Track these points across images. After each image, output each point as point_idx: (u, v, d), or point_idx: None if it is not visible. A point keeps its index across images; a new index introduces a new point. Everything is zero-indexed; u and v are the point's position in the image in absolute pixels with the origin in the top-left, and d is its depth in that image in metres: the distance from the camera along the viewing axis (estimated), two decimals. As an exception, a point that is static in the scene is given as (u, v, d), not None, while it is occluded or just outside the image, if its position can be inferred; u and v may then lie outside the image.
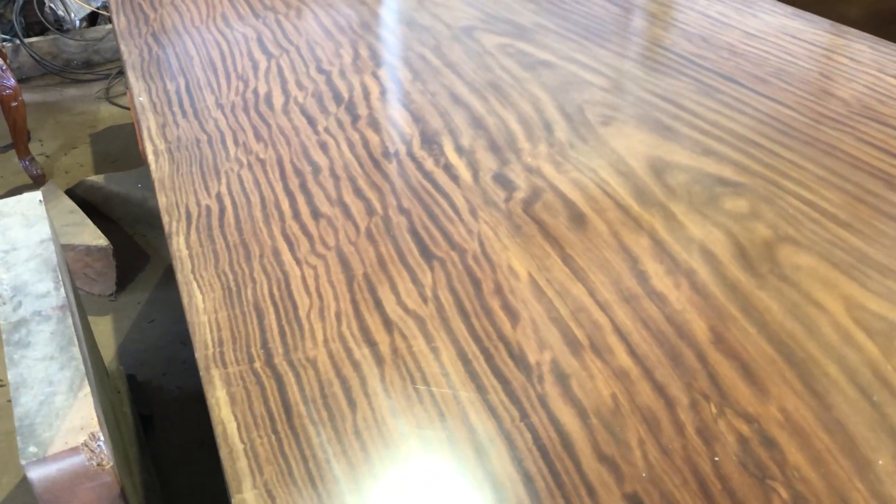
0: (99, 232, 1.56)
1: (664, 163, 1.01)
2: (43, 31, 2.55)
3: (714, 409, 0.65)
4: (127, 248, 1.74)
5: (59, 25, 2.54)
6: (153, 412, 1.31)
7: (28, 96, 2.45)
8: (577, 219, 0.90)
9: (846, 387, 0.67)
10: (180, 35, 1.44)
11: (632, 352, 0.71)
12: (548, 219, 0.90)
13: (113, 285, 1.59)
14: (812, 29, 1.46)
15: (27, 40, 2.53)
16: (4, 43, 2.50)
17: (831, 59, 1.32)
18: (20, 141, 1.98)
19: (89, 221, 1.59)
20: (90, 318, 1.54)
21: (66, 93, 2.47)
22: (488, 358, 0.70)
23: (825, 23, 1.51)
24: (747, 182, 0.96)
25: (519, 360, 0.70)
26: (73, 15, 2.49)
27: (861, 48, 1.37)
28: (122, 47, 1.38)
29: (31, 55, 2.51)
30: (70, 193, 1.79)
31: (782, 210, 0.91)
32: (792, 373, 0.68)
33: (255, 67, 1.29)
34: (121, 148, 2.14)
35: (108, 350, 1.46)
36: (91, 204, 1.80)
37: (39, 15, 2.56)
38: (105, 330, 1.52)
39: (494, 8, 1.56)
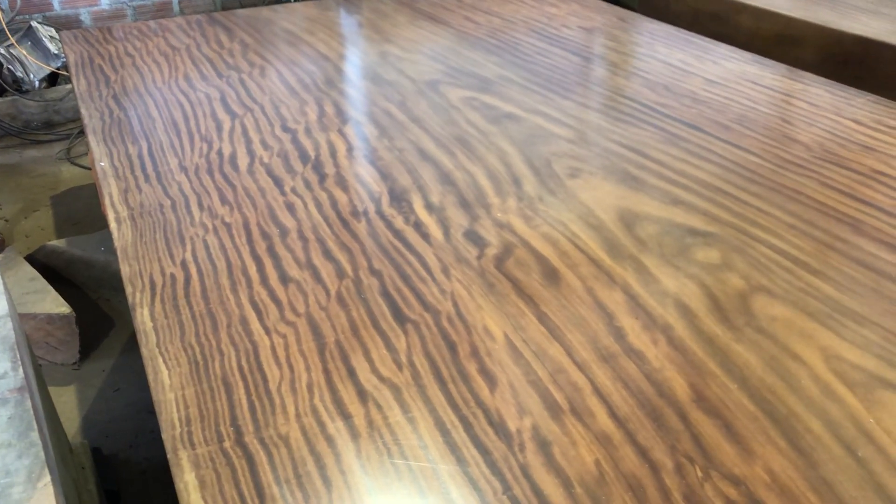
0: (61, 299, 1.52)
1: (633, 214, 1.01)
2: (2, 92, 2.52)
3: (700, 473, 0.63)
4: (91, 314, 1.69)
5: (18, 86, 2.51)
6: (120, 487, 1.26)
7: (-14, 158, 2.41)
8: (550, 275, 0.89)
9: (831, 443, 0.66)
10: (142, 96, 1.42)
11: (613, 414, 0.69)
12: (521, 276, 0.89)
13: (76, 353, 1.55)
14: (770, 74, 1.49)
15: (-15, 102, 2.50)
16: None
17: (791, 104, 1.34)
18: (-24, 207, 1.93)
19: (50, 288, 1.55)
20: (52, 389, 1.49)
21: (25, 154, 2.43)
22: (467, 427, 0.68)
23: (782, 68, 1.54)
24: (717, 231, 0.96)
25: (499, 427, 0.68)
26: (31, 76, 2.47)
27: (818, 92, 1.40)
28: (83, 111, 1.36)
29: (-11, 117, 2.47)
30: (31, 259, 1.74)
31: (754, 259, 0.91)
32: (775, 430, 0.67)
33: (219, 128, 1.28)
34: (83, 209, 2.10)
35: (71, 422, 1.41)
36: (53, 269, 1.76)
37: (-4, 76, 2.53)
38: (69, 401, 1.46)
39: (458, 61, 1.57)
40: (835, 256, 0.91)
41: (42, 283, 1.57)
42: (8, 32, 2.52)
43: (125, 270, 0.91)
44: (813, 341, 0.77)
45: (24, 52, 2.52)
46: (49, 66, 2.55)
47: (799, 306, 0.83)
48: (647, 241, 0.95)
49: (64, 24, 2.71)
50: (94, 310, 1.72)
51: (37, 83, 2.54)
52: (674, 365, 0.75)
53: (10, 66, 2.47)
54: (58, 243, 1.78)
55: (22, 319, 1.48)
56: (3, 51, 2.50)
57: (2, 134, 2.59)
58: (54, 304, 1.53)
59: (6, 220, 2.12)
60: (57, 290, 1.57)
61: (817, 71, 1.85)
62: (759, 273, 0.88)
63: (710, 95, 1.38)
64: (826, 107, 1.33)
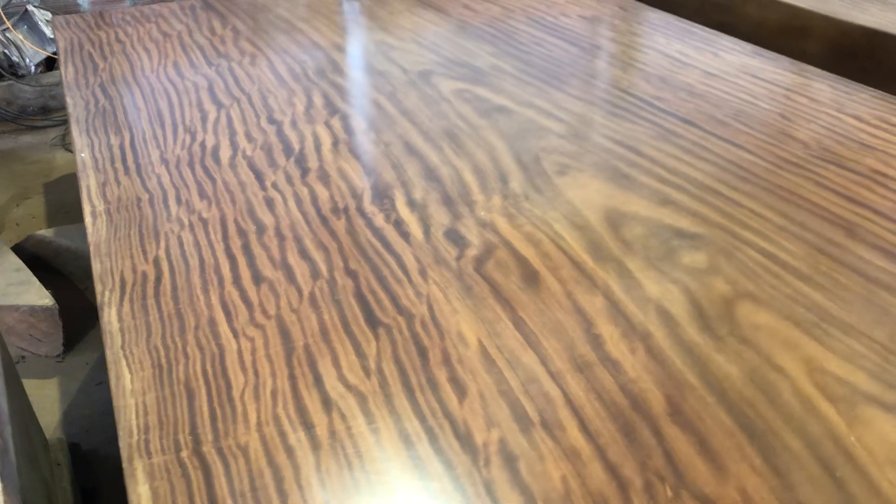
0: (45, 291, 1.51)
1: (620, 214, 0.98)
2: (0, 76, 2.50)
3: (670, 492, 0.61)
4: (77, 305, 1.68)
5: (14, 71, 2.49)
6: (97, 484, 1.25)
7: (-20, 144, 2.40)
8: (530, 277, 0.86)
9: (808, 462, 0.63)
10: (129, 85, 1.40)
11: (584, 428, 0.67)
12: (500, 278, 0.86)
13: (60, 346, 1.53)
14: (772, 67, 1.45)
15: (-20, 87, 2.49)
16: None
17: (791, 99, 1.31)
18: (-35, 195, 1.92)
19: (35, 279, 1.53)
20: (34, 382, 1.48)
21: (20, 140, 2.42)
22: (433, 439, 0.66)
23: (785, 61, 1.50)
24: (705, 234, 0.93)
25: (465, 440, 0.66)
26: (28, 60, 2.45)
27: (821, 87, 1.36)
28: (69, 99, 1.34)
29: (-17, 103, 2.46)
30: (19, 248, 1.73)
31: (741, 264, 0.88)
32: (752, 447, 0.65)
33: (205, 119, 1.26)
34: (75, 198, 2.08)
35: (52, 416, 1.40)
36: (41, 258, 1.74)
37: (-7, 61, 2.51)
38: (50, 394, 1.46)
39: (453, 51, 1.54)
40: (826, 261, 0.88)
41: (27, 273, 1.56)
42: (3, 16, 2.50)
43: (96, 268, 0.89)
44: (797, 352, 0.75)
45: (21, 36, 2.51)
46: (45, 50, 2.53)
47: (785, 314, 0.80)
48: (633, 242, 0.92)
49: (62, 8, 2.69)
50: (82, 301, 1.71)
51: (33, 68, 2.52)
52: (651, 376, 0.72)
53: (5, 51, 2.45)
54: (46, 233, 1.77)
55: (5, 311, 1.47)
56: (-1, 35, 2.48)
57: (-3, 119, 2.59)
58: (38, 295, 1.51)
59: (-3, 208, 2.12)
60: (44, 280, 1.56)
61: (824, 63, 1.81)
62: (745, 278, 0.85)
63: (708, 89, 1.35)
64: (827, 102, 1.29)
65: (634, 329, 0.78)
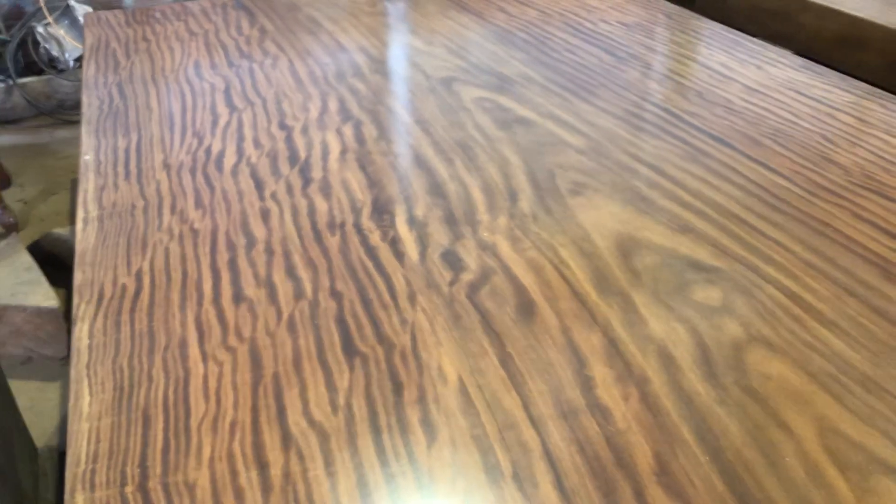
0: (52, 292, 1.50)
1: (633, 241, 0.91)
2: (41, 71, 2.54)
3: (644, 568, 0.54)
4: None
5: (54, 66, 2.53)
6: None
7: (18, 138, 2.43)
8: (526, 308, 0.80)
9: (807, 541, 0.56)
10: (146, 85, 1.38)
11: (559, 484, 0.61)
12: (493, 307, 0.80)
13: (65, 348, 1.53)
14: (820, 83, 1.36)
15: (21, 81, 2.52)
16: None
17: (836, 119, 1.21)
18: (-9, 189, 1.94)
19: (44, 280, 1.53)
20: (36, 385, 1.47)
21: (56, 134, 2.44)
22: (392, 490, 0.61)
23: (835, 76, 1.40)
24: (723, 267, 0.86)
25: (427, 491, 0.60)
26: (67, 55, 2.48)
27: (871, 106, 1.26)
28: (84, 98, 1.32)
29: (22, 96, 2.49)
30: (37, 246, 1.73)
31: (759, 303, 0.80)
32: (744, 519, 0.58)
33: (215, 122, 1.23)
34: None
35: (50, 421, 1.39)
36: (57, 257, 1.75)
37: (34, 55, 2.55)
38: (51, 398, 1.45)
39: (480, 57, 1.48)
40: (854, 304, 0.80)
41: (37, 273, 1.56)
42: (46, 11, 2.54)
43: (77, 278, 0.86)
44: (808, 408, 0.67)
45: (62, 31, 2.53)
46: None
47: (800, 364, 0.72)
48: (643, 273, 0.85)
49: (105, 4, 2.71)
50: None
51: (72, 63, 2.55)
52: (641, 427, 0.66)
53: (46, 45, 2.48)
54: (62, 231, 1.77)
55: (13, 311, 1.47)
56: (41, 29, 2.51)
57: (35, 113, 2.62)
58: (45, 296, 1.51)
59: (25, 203, 2.13)
60: (58, 279, 1.55)
61: (882, 77, 1.70)
62: (761, 320, 0.78)
63: (747, 105, 1.26)
64: (876, 124, 1.20)
65: (631, 372, 0.72)
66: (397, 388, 0.70)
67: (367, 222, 0.96)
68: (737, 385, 0.70)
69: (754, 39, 1.59)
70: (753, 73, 1.40)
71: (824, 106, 1.26)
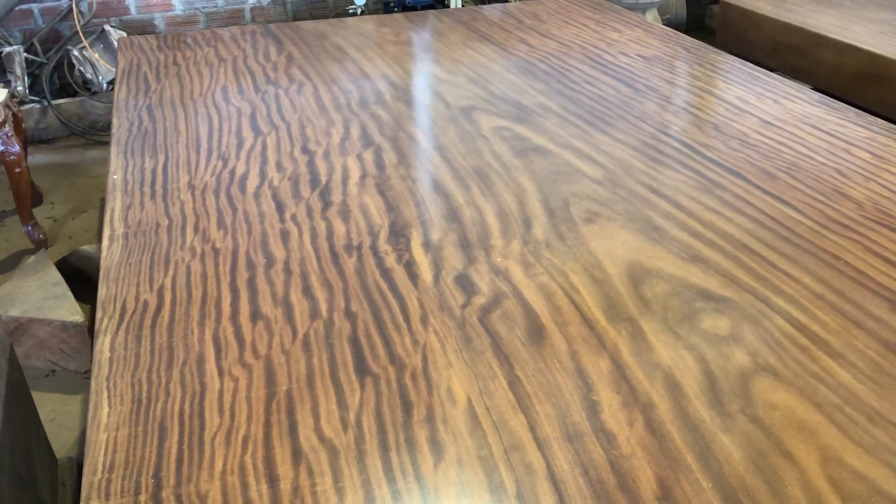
0: (77, 307, 1.54)
1: (644, 270, 0.92)
2: (75, 93, 2.61)
3: (642, 590, 0.55)
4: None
5: (87, 88, 2.60)
6: None
7: (51, 157, 2.50)
8: (536, 332, 0.82)
9: (805, 569, 0.57)
10: (175, 108, 1.42)
11: (562, 506, 0.62)
12: (503, 331, 0.82)
13: (88, 362, 1.56)
14: (835, 118, 1.37)
15: (56, 102, 2.59)
16: (33, 104, 2.55)
17: (851, 154, 1.22)
18: (23, 206, 1.98)
19: (70, 295, 1.57)
20: (60, 397, 1.50)
21: (87, 154, 2.50)
22: (397, 504, 0.62)
23: (851, 111, 1.41)
24: (733, 297, 0.87)
25: (431, 508, 0.62)
26: (100, 77, 2.54)
27: (887, 142, 1.27)
28: (115, 120, 1.37)
29: (56, 116, 2.56)
30: (64, 262, 1.78)
31: (767, 333, 0.81)
32: (744, 545, 0.59)
33: (240, 146, 1.26)
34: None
35: (71, 433, 1.42)
36: (84, 273, 1.79)
37: (69, 77, 2.62)
38: (73, 410, 1.48)
39: (500, 86, 1.51)
40: (861, 337, 0.80)
41: (63, 288, 1.60)
42: (82, 35, 2.61)
43: (101, 293, 0.89)
44: (813, 438, 0.68)
45: (97, 55, 2.61)
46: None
47: (806, 394, 0.73)
48: (653, 302, 0.87)
49: (139, 29, 2.79)
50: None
51: (105, 85, 2.62)
52: (646, 452, 0.67)
53: (81, 68, 2.55)
54: (89, 248, 1.81)
55: (38, 325, 1.50)
56: (76, 52, 2.58)
57: (68, 133, 2.68)
58: (70, 311, 1.54)
59: (55, 220, 2.18)
60: (84, 295, 1.59)
61: (901, 113, 1.70)
62: (768, 350, 0.79)
63: (762, 139, 1.28)
64: (891, 159, 1.20)
65: (637, 398, 0.73)
66: (407, 407, 0.72)
67: (383, 245, 0.98)
68: (742, 413, 0.71)
69: (772, 74, 1.60)
70: (770, 107, 1.41)
71: (839, 140, 1.27)
